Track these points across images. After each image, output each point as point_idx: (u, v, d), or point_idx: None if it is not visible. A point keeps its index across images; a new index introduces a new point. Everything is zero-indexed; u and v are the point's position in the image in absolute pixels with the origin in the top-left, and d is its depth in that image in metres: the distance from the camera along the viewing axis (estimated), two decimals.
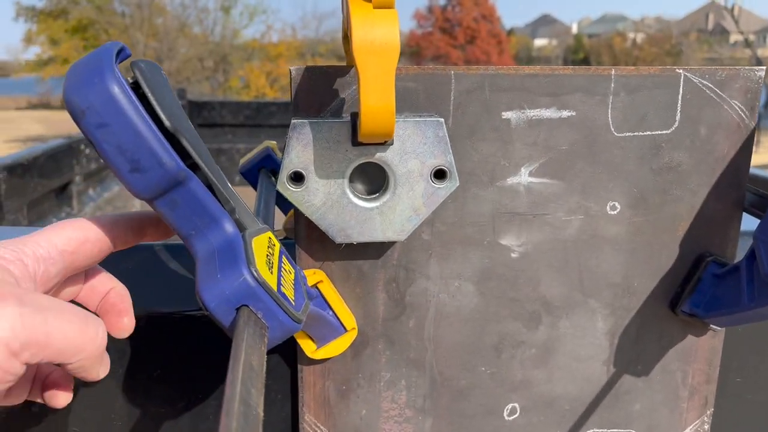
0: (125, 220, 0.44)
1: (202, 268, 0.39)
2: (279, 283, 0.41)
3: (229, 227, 0.40)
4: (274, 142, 0.73)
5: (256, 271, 0.38)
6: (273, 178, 0.70)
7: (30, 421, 0.56)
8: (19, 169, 1.90)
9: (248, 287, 0.37)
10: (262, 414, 0.31)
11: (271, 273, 0.40)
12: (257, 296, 0.38)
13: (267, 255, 0.42)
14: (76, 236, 0.40)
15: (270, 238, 0.45)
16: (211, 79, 19.40)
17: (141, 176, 0.36)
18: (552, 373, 0.58)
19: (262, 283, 0.38)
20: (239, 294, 0.37)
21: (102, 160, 0.36)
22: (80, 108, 0.34)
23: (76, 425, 0.56)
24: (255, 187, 0.70)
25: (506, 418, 0.59)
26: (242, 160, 0.72)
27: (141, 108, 0.36)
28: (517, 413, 0.59)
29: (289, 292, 0.42)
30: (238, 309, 0.38)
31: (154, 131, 0.36)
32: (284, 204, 0.70)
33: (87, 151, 2.50)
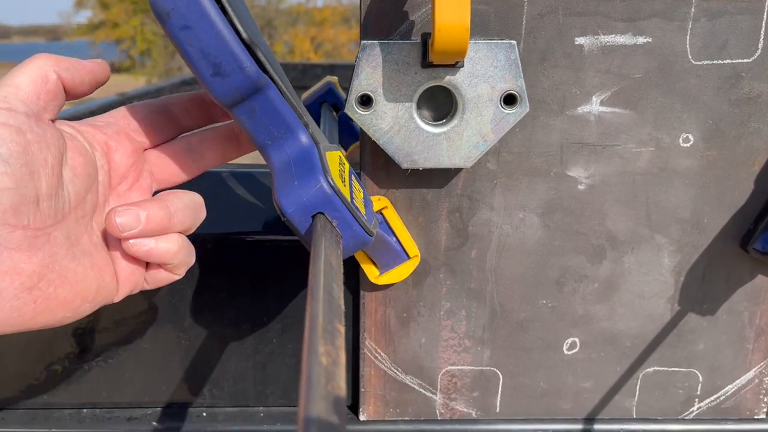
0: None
1: (278, 177, 0.39)
2: (351, 196, 0.41)
3: (304, 138, 0.40)
4: (335, 78, 0.73)
5: (332, 180, 0.38)
6: (334, 113, 0.70)
7: (103, 335, 0.58)
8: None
9: (325, 194, 0.38)
10: (343, 307, 0.31)
11: (344, 186, 0.41)
12: (333, 204, 0.38)
13: (339, 170, 0.42)
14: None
15: (340, 156, 0.45)
16: None
17: (222, 80, 0.36)
18: (614, 310, 0.57)
19: (337, 192, 0.38)
20: (316, 201, 0.38)
21: (186, 65, 0.37)
22: (165, 10, 0.35)
23: (148, 343, 0.58)
24: (317, 122, 0.70)
25: (566, 352, 0.59)
26: (304, 95, 0.73)
27: (222, 14, 0.36)
28: (577, 348, 0.59)
29: (360, 206, 0.42)
30: (313, 217, 0.38)
31: (235, 36, 0.36)
32: (345, 138, 0.70)
33: None
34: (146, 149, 0.46)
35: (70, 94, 0.40)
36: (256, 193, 0.59)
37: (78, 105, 2.18)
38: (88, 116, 2.06)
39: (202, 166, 0.49)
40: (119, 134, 0.44)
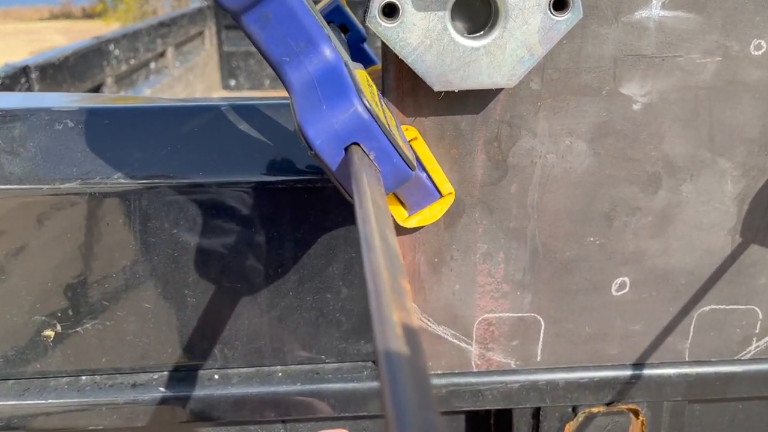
0: None
1: (301, 101, 0.32)
2: (387, 123, 0.34)
3: (329, 52, 0.33)
4: None
5: (368, 102, 0.31)
6: (343, 35, 0.62)
7: (98, 293, 0.52)
8: (50, 69, 1.84)
9: (360, 120, 0.31)
10: (401, 259, 0.25)
11: (380, 110, 0.34)
12: (371, 132, 0.31)
13: (369, 93, 0.35)
14: None
15: (366, 77, 0.38)
16: None
17: None
18: (668, 244, 0.52)
19: (375, 117, 0.31)
20: (350, 128, 0.31)
21: None
22: None
23: (149, 301, 0.52)
24: None
25: (614, 293, 0.53)
26: None
27: None
28: (627, 288, 0.53)
29: (396, 135, 0.35)
30: (347, 148, 0.31)
31: None
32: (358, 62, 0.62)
33: (117, 52, 2.43)
34: None
35: None
36: (260, 128, 0.52)
37: (50, 51, 2.05)
38: (63, 62, 1.91)
39: None
40: None
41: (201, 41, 3.71)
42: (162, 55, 3.08)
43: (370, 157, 0.32)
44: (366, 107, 0.31)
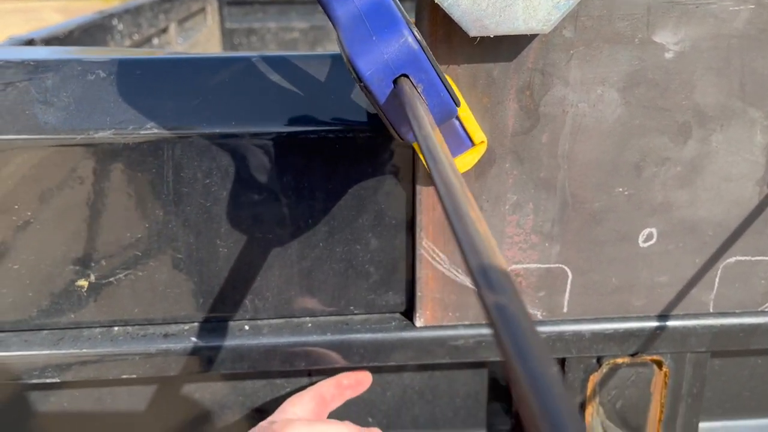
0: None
1: (349, 34, 0.32)
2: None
3: None
4: None
5: (417, 34, 0.31)
6: None
7: (131, 245, 0.52)
8: (55, 43, 1.83)
9: (410, 51, 0.31)
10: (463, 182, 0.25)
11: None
12: (420, 64, 0.31)
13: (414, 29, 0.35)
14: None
15: (408, 17, 0.38)
16: None
17: None
18: (697, 195, 0.52)
19: (424, 48, 0.31)
20: (400, 59, 0.31)
21: None
22: None
23: (182, 252, 0.52)
24: None
25: (641, 244, 0.54)
26: None
27: None
28: (654, 239, 0.53)
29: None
30: (395, 81, 0.32)
31: None
32: None
33: (120, 26, 2.41)
34: None
35: None
36: (292, 80, 0.52)
37: (55, 25, 2.04)
38: (67, 36, 1.89)
39: None
40: None
41: (203, 17, 3.67)
42: (165, 30, 3.06)
43: (418, 89, 0.32)
44: (416, 38, 0.31)
